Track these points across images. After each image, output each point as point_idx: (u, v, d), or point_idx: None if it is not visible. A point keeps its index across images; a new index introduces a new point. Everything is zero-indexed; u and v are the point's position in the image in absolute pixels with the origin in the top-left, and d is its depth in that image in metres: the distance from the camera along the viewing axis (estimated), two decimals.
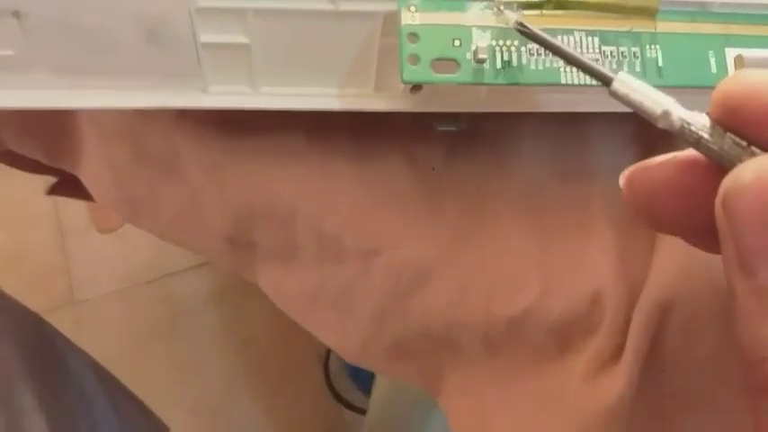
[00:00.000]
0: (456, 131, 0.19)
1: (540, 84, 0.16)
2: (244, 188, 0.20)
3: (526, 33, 0.14)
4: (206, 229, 0.22)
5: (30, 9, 0.15)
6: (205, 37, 0.16)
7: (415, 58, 0.15)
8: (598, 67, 0.12)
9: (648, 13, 0.16)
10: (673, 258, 0.18)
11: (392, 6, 0.16)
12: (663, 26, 0.16)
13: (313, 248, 0.20)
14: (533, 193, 0.20)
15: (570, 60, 0.13)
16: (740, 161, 0.11)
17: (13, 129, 0.24)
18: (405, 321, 0.19)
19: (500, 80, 0.15)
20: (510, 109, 0.18)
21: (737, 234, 0.10)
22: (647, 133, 0.20)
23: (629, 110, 0.12)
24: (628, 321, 0.18)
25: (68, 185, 0.30)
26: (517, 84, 0.16)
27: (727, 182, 0.10)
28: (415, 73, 0.15)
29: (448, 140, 0.20)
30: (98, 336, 0.73)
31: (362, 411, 0.57)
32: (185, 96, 0.17)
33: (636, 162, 0.20)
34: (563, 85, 0.16)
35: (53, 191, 0.32)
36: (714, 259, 0.19)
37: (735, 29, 0.17)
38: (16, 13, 0.15)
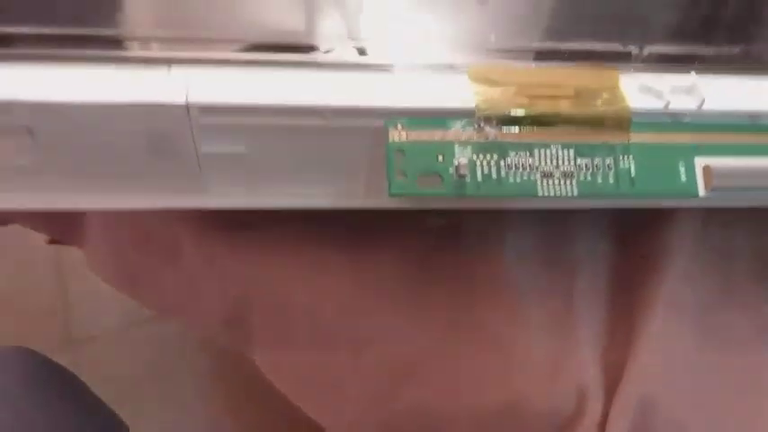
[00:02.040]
0: (444, 224, 0.20)
1: (518, 196, 0.17)
2: (241, 277, 0.21)
3: None
4: (203, 312, 0.23)
5: (42, 127, 0.16)
6: (206, 149, 0.17)
7: (402, 173, 0.16)
8: None
9: (622, 126, 0.17)
10: (654, 349, 0.19)
11: (380, 122, 0.17)
12: (635, 137, 0.17)
13: (307, 335, 0.21)
14: (519, 283, 0.21)
15: None
16: None
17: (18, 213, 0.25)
18: (394, 407, 0.20)
19: (480, 193, 0.17)
20: (492, 206, 0.19)
21: None
22: (624, 220, 0.21)
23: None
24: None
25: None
26: (497, 196, 0.17)
27: None
28: (401, 187, 0.16)
29: (436, 232, 0.21)
30: (97, 375, 0.73)
31: None
32: (186, 198, 0.18)
33: (614, 249, 0.21)
34: (539, 197, 0.17)
35: (53, 240, 0.33)
36: (696, 350, 0.20)
37: (704, 138, 0.18)
38: (30, 130, 0.16)
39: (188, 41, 0.17)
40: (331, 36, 0.17)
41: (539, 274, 0.21)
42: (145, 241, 0.22)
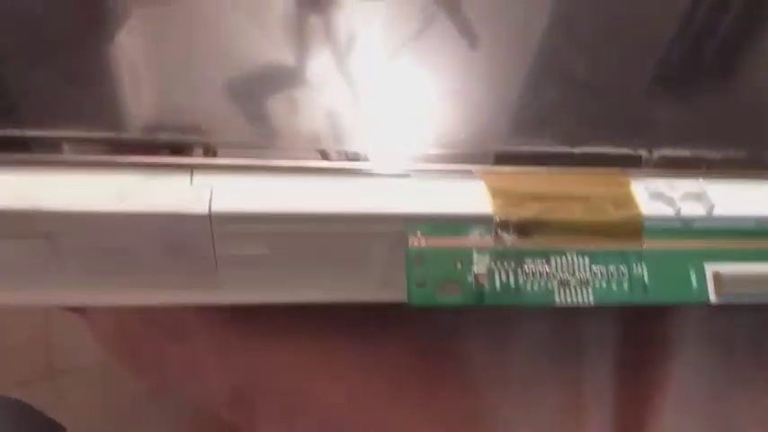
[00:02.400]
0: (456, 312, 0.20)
1: (536, 304, 0.17)
2: (247, 364, 0.21)
3: None
4: (207, 392, 0.22)
5: (60, 232, 0.16)
6: (224, 252, 0.17)
7: (422, 283, 0.16)
8: None
9: (635, 232, 0.18)
10: None
11: (399, 227, 0.17)
12: (648, 243, 0.18)
13: (315, 422, 0.21)
14: (530, 372, 0.21)
15: None
16: None
17: None
18: None
19: (499, 301, 0.17)
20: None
21: None
22: (630, 309, 0.21)
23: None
24: None
25: None
26: (515, 305, 0.17)
27: None
28: (421, 297, 0.16)
29: (448, 321, 0.21)
30: (80, 405, 0.72)
31: None
32: (200, 295, 0.18)
33: (619, 337, 0.21)
34: (557, 305, 0.17)
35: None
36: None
37: (714, 243, 0.18)
38: (47, 235, 0.16)
39: (211, 147, 0.17)
40: (350, 142, 0.18)
41: (545, 363, 0.21)
42: (150, 316, 0.22)
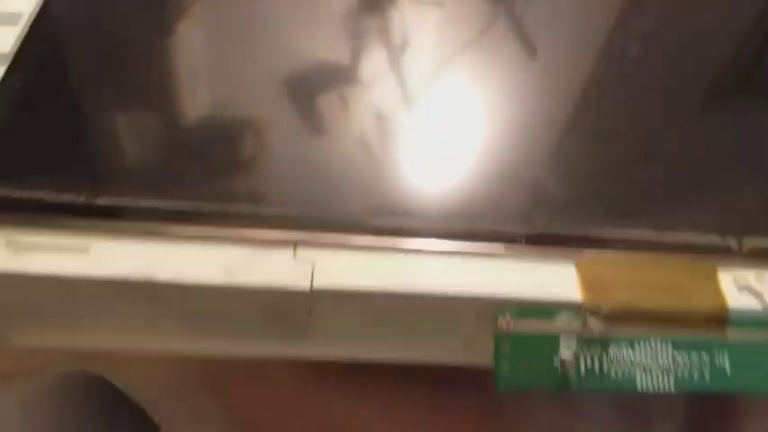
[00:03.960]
0: None
1: (620, 390, 0.17)
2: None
3: None
4: None
5: (160, 297, 0.17)
6: (321, 319, 0.18)
7: (509, 367, 0.17)
8: None
9: (720, 324, 0.18)
10: None
11: (484, 305, 0.17)
12: (732, 335, 0.18)
13: None
14: None
15: None
16: None
17: None
18: None
19: (583, 387, 0.17)
20: None
21: None
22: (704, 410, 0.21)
23: None
24: None
25: None
26: (598, 390, 0.17)
27: None
28: (508, 381, 0.17)
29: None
30: None
31: None
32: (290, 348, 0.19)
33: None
34: (638, 391, 0.17)
35: None
36: None
37: None
38: (149, 297, 0.17)
39: (315, 223, 0.17)
40: (447, 219, 0.18)
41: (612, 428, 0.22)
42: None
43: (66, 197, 0.17)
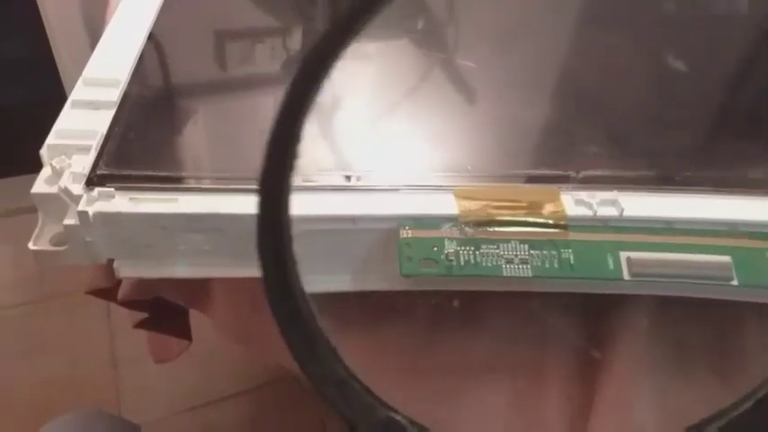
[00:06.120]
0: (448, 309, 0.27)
1: (489, 275, 0.24)
2: None
3: None
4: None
5: (228, 228, 0.24)
6: None
7: (409, 259, 0.24)
8: None
9: (563, 228, 0.25)
10: (612, 421, 0.25)
11: (393, 225, 0.24)
12: (573, 235, 0.25)
13: None
14: (502, 356, 0.27)
15: None
16: None
17: (168, 284, 0.33)
18: None
19: (463, 272, 0.24)
20: (473, 287, 0.26)
21: None
22: (590, 301, 0.27)
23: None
24: None
25: (153, 323, 0.39)
26: (474, 276, 0.24)
27: None
28: (409, 269, 0.24)
29: (436, 318, 0.28)
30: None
31: None
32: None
33: (581, 324, 0.27)
34: (505, 277, 0.24)
35: (140, 325, 0.40)
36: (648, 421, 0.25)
37: (627, 237, 0.25)
38: (218, 229, 0.24)
39: None
40: (357, 168, 0.26)
41: (515, 350, 0.27)
42: (259, 305, 0.29)
43: (161, 173, 0.26)
